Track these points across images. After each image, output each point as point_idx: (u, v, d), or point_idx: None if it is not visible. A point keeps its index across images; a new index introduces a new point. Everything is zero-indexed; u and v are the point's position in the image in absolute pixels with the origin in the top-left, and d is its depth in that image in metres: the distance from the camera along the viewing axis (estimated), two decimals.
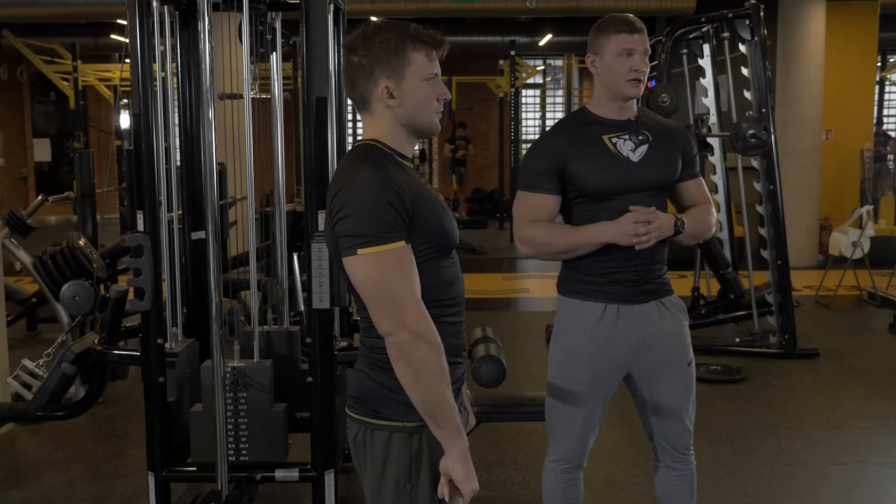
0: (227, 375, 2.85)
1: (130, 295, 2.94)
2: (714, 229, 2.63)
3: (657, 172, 2.40)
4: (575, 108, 14.70)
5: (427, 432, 1.69)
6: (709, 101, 6.29)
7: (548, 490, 2.57)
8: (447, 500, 1.68)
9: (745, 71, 5.84)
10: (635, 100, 2.45)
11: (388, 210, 1.61)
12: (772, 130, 5.52)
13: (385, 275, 1.61)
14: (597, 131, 2.41)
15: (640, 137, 2.41)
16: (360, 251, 1.61)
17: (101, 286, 4.40)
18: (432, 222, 1.70)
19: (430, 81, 1.72)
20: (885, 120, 14.29)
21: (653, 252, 2.39)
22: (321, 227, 2.78)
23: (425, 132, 1.78)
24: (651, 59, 7.00)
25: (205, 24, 2.76)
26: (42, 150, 15.21)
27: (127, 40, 2.83)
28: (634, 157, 2.38)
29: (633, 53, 2.34)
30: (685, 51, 6.29)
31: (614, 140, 2.40)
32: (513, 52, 11.60)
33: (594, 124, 2.43)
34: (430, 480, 1.72)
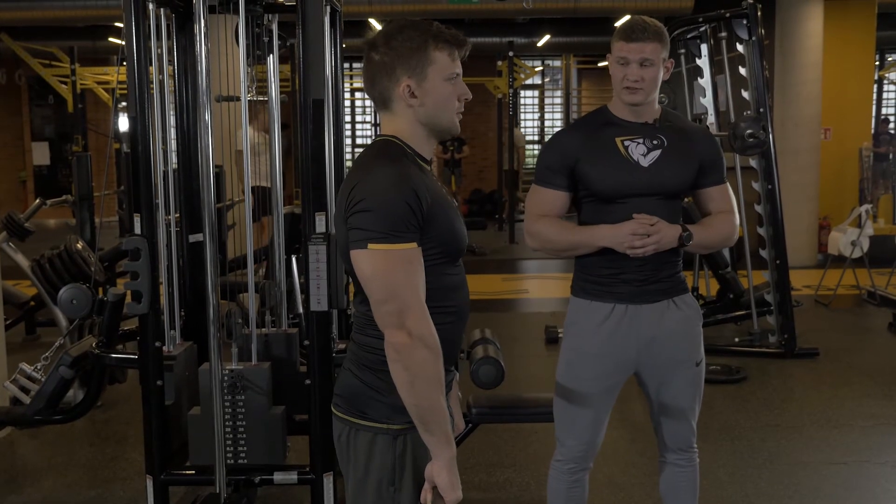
0: (226, 378, 2.85)
1: (128, 298, 2.93)
2: (736, 237, 2.59)
3: (667, 178, 2.38)
4: (573, 108, 14.71)
5: (412, 435, 1.67)
6: (707, 100, 6.28)
7: (552, 490, 2.57)
8: None
9: (742, 70, 5.83)
10: (657, 102, 2.44)
11: (405, 209, 1.60)
12: (770, 130, 5.52)
13: (391, 273, 1.60)
14: (611, 132, 2.41)
15: (655, 142, 2.40)
16: (370, 246, 1.60)
17: (99, 289, 4.40)
18: (446, 227, 1.69)
19: (452, 81, 1.73)
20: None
21: (663, 252, 2.38)
22: (319, 228, 2.78)
23: (445, 132, 1.78)
24: None
25: (201, 27, 2.76)
26: (41, 154, 15.19)
27: (124, 43, 2.82)
28: (644, 162, 2.37)
29: (628, 63, 2.33)
30: (683, 50, 6.29)
31: (627, 143, 2.39)
32: (511, 53, 11.60)
33: (610, 125, 2.43)
34: (413, 484, 1.70)
